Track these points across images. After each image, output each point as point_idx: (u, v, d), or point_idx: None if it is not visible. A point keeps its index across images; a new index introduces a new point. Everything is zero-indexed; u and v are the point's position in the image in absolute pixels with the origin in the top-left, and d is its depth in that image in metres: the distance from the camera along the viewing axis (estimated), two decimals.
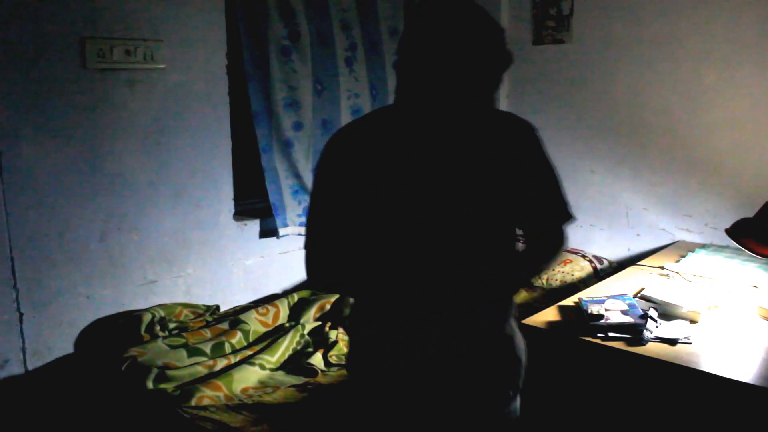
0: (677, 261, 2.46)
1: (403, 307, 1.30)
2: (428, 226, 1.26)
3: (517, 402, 1.40)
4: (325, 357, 2.24)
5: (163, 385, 1.97)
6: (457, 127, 1.27)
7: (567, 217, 1.37)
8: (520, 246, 1.40)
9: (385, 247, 1.29)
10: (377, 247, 1.30)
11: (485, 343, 1.31)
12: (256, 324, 2.41)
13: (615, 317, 1.83)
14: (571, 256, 2.94)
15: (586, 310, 1.87)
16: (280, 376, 2.15)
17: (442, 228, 1.26)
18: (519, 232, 1.38)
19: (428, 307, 1.28)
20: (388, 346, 1.31)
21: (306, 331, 2.38)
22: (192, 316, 2.47)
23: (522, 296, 2.69)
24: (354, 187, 1.27)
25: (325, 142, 1.34)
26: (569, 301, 2.06)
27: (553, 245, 1.38)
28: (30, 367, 2.16)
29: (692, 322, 1.88)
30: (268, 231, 2.79)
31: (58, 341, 2.22)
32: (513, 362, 1.35)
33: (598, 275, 2.82)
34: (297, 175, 2.77)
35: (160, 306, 2.41)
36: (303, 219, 2.82)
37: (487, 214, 1.28)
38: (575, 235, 3.03)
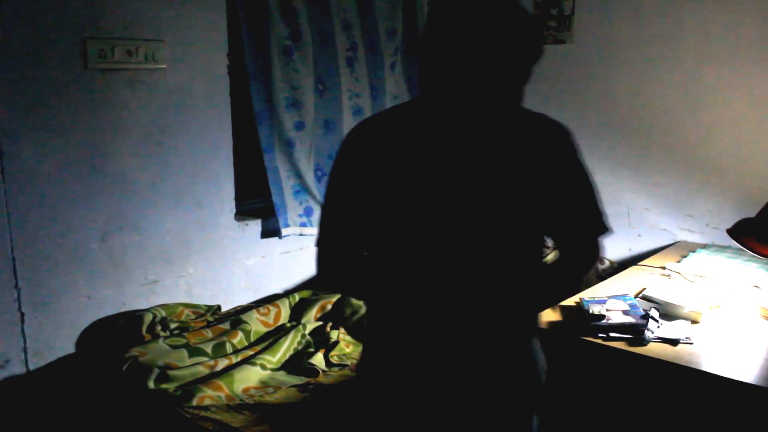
0: (679, 261, 2.46)
1: (410, 308, 1.26)
2: (442, 226, 1.21)
3: (535, 423, 1.34)
4: (326, 357, 2.24)
5: (164, 385, 1.98)
6: (482, 125, 1.20)
7: (602, 229, 1.28)
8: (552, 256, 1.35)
9: (398, 246, 1.25)
10: (390, 246, 1.26)
11: (494, 348, 1.25)
12: (258, 324, 2.41)
13: (616, 317, 1.83)
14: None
15: (588, 310, 1.87)
16: (282, 376, 2.15)
17: (455, 229, 1.21)
18: (549, 243, 1.32)
19: (435, 308, 1.23)
20: (390, 346, 1.29)
21: (307, 331, 2.38)
22: (193, 316, 2.47)
23: None
24: (370, 184, 1.23)
25: (344, 136, 1.30)
26: (570, 301, 2.05)
27: (585, 258, 1.31)
28: (31, 367, 2.16)
29: (694, 322, 1.88)
30: (270, 231, 2.79)
31: (59, 341, 2.22)
32: (528, 378, 1.28)
33: (600, 275, 2.81)
34: (298, 175, 2.77)
35: (162, 306, 2.41)
36: (304, 219, 2.82)
37: (507, 218, 1.21)
38: None
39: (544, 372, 1.32)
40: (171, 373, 2.00)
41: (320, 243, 1.30)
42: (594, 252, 1.30)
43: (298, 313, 2.55)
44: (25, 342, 2.14)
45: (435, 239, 1.22)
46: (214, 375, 2.05)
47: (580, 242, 1.29)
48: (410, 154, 1.21)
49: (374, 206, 1.24)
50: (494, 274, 1.24)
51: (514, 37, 1.15)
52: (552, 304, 1.99)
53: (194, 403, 1.90)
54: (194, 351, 2.15)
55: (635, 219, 2.99)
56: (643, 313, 1.86)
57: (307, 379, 2.12)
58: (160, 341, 2.16)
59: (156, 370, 2.00)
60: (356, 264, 1.31)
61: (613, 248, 3.05)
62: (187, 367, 2.06)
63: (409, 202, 1.21)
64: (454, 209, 1.20)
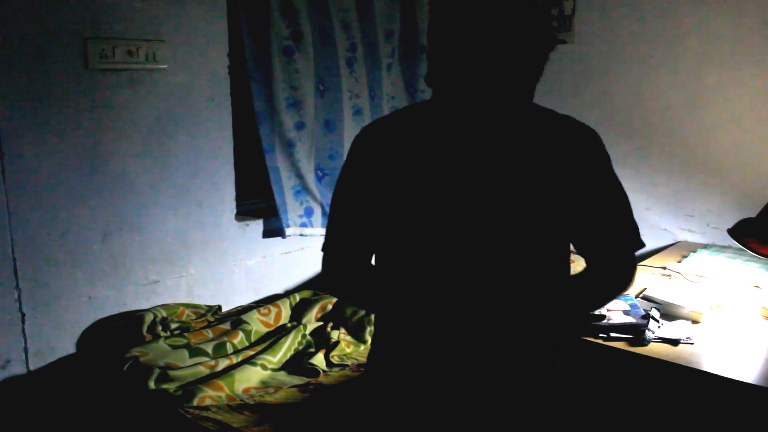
0: (679, 261, 2.46)
1: (419, 316, 1.20)
2: (452, 232, 1.15)
3: None
4: (326, 357, 2.24)
5: (164, 386, 1.98)
6: (495, 125, 1.14)
7: (636, 243, 1.18)
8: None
9: (407, 251, 1.20)
10: (399, 252, 1.21)
11: (502, 360, 1.18)
12: (258, 324, 2.41)
13: (617, 317, 1.83)
14: (573, 256, 2.93)
15: None
16: (282, 376, 2.15)
17: (466, 234, 1.14)
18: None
19: (444, 316, 1.18)
20: (399, 354, 1.23)
21: (308, 332, 2.38)
22: (194, 317, 2.47)
23: None
24: (379, 189, 1.18)
25: (352, 140, 1.26)
26: None
27: (617, 275, 1.20)
28: (32, 368, 2.17)
29: (694, 322, 1.87)
30: (271, 231, 2.79)
31: (60, 341, 2.23)
32: (538, 396, 1.19)
33: None
34: (299, 176, 2.77)
35: (162, 306, 2.41)
36: (304, 220, 2.82)
37: (521, 225, 1.13)
38: None
39: (560, 394, 1.22)
40: (172, 373, 2.00)
41: (327, 248, 1.26)
42: (629, 269, 1.20)
43: (298, 313, 2.55)
44: (25, 342, 2.14)
45: (445, 245, 1.16)
46: (215, 375, 2.05)
47: (611, 258, 1.19)
48: (420, 158, 1.16)
49: (383, 212, 1.19)
50: (507, 283, 1.17)
51: (522, 29, 1.10)
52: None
53: (195, 403, 1.90)
54: (195, 351, 2.15)
55: (636, 219, 2.98)
56: (644, 313, 1.86)
57: (308, 380, 2.13)
58: (161, 341, 2.16)
59: (157, 371, 2.00)
60: (363, 275, 1.25)
61: None
62: (187, 367, 2.06)
63: (419, 207, 1.16)
64: (465, 214, 1.14)
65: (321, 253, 1.29)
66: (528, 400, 1.20)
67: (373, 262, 1.30)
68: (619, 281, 1.21)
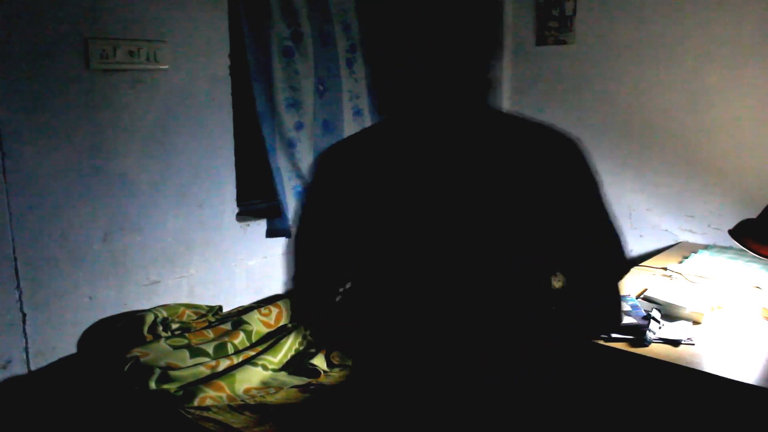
0: (680, 262, 2.46)
1: (399, 334, 1.15)
2: (429, 264, 1.07)
3: None
4: (327, 358, 2.24)
5: (165, 386, 1.98)
6: (464, 143, 1.04)
7: (617, 272, 1.08)
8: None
9: (382, 273, 1.13)
10: (374, 274, 1.15)
11: (485, 378, 1.11)
12: (259, 324, 2.41)
13: None
14: None
15: None
16: (283, 376, 2.15)
17: (440, 252, 1.06)
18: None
19: (424, 335, 1.11)
20: (382, 370, 1.19)
21: (308, 332, 2.38)
22: (195, 317, 2.47)
23: None
24: (347, 219, 1.12)
25: (314, 165, 1.18)
26: None
27: (599, 306, 1.10)
28: (33, 368, 2.17)
29: (695, 323, 1.87)
30: (274, 231, 2.79)
31: (60, 342, 2.23)
32: (532, 404, 1.14)
33: None
34: (299, 176, 2.77)
35: (163, 306, 2.41)
36: None
37: (501, 251, 1.04)
38: None
39: (549, 393, 1.17)
40: (172, 373, 2.01)
41: (298, 281, 1.21)
42: (611, 300, 1.08)
43: None
44: (26, 342, 2.14)
45: (420, 264, 1.09)
46: (216, 375, 2.05)
47: (591, 285, 1.09)
48: (387, 184, 1.08)
49: (354, 241, 1.13)
50: (486, 300, 1.09)
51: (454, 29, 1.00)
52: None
53: (196, 403, 1.91)
54: (196, 351, 2.16)
55: (637, 220, 2.99)
56: (645, 314, 1.86)
57: (309, 380, 2.13)
58: (162, 342, 2.16)
59: (157, 371, 2.00)
60: (336, 309, 1.21)
61: None
62: (188, 367, 2.06)
63: (391, 234, 1.10)
64: (438, 234, 1.06)
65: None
66: (517, 399, 1.16)
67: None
68: (599, 315, 1.12)
